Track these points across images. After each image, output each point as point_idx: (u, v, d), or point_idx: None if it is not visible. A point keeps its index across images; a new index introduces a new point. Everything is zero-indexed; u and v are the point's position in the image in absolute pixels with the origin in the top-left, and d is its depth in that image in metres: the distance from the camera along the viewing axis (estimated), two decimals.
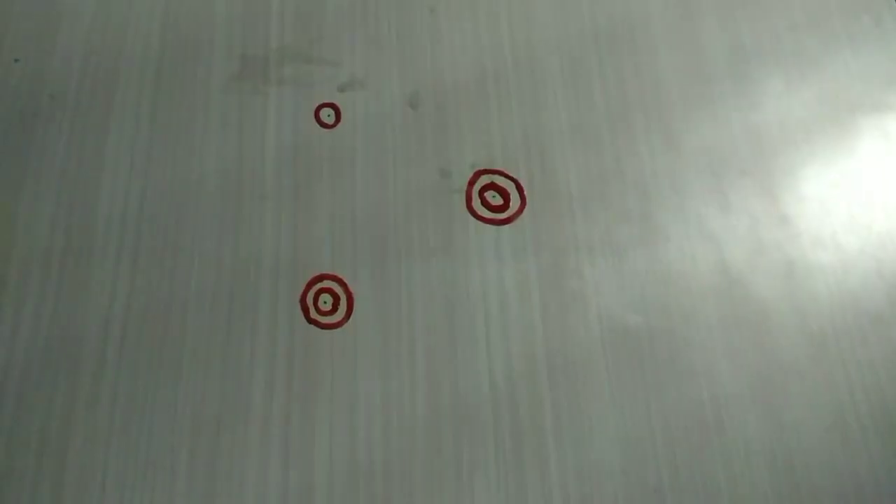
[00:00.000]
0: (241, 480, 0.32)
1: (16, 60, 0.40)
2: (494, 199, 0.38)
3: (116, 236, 0.36)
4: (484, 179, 0.39)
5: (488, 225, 0.38)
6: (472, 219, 0.38)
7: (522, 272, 0.37)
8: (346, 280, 0.36)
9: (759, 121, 0.41)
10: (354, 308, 0.36)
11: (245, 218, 0.37)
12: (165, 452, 0.32)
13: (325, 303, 0.36)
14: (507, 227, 0.38)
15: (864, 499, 0.33)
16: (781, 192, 0.39)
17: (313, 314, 0.35)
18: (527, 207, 0.38)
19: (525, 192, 0.38)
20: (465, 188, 0.38)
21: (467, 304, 0.36)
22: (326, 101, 0.40)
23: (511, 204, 0.38)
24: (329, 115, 0.40)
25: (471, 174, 0.39)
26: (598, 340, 0.36)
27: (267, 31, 0.41)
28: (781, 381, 0.35)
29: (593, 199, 0.38)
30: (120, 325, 0.34)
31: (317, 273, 0.36)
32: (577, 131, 0.40)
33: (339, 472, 0.33)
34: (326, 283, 0.36)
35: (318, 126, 0.39)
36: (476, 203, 0.38)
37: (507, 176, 0.39)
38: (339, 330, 0.35)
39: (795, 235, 0.38)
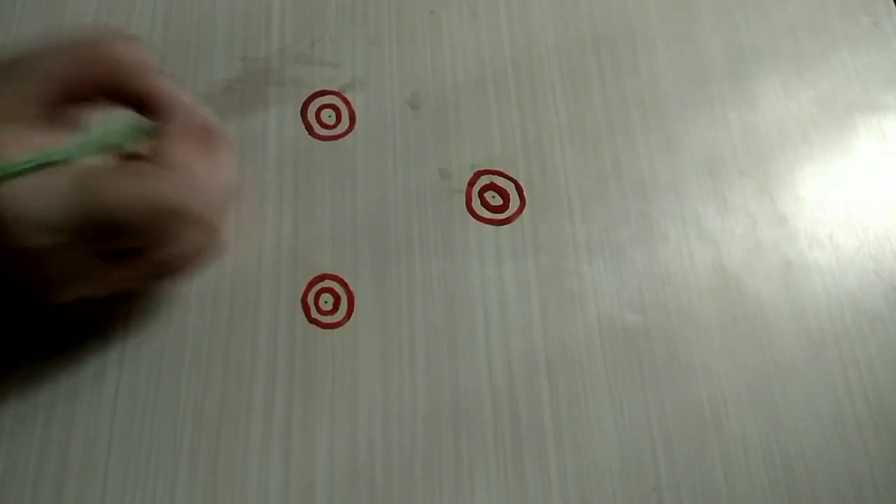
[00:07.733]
0: (242, 479, 0.32)
1: None
2: (494, 199, 0.38)
3: None
4: (484, 180, 0.39)
5: (488, 225, 0.38)
6: (471, 219, 0.38)
7: (522, 272, 0.37)
8: (346, 280, 0.36)
9: (756, 121, 0.41)
10: (355, 308, 0.36)
11: (246, 218, 0.37)
12: (167, 451, 0.33)
13: (325, 302, 0.36)
14: (506, 227, 0.38)
15: (862, 497, 0.34)
16: (779, 192, 0.39)
17: (314, 314, 0.36)
18: (526, 208, 0.38)
19: (524, 193, 0.38)
20: (464, 189, 0.39)
21: (467, 304, 0.36)
22: (327, 102, 0.40)
23: (510, 204, 0.38)
24: (330, 116, 0.40)
25: (470, 175, 0.39)
26: (596, 339, 0.36)
27: (268, 33, 0.41)
28: (779, 381, 0.36)
29: (592, 199, 0.39)
30: (122, 324, 0.35)
31: (318, 273, 0.36)
32: (576, 132, 0.40)
33: (339, 470, 0.33)
34: (327, 283, 0.36)
35: (319, 126, 0.39)
36: (476, 203, 0.38)
37: (506, 176, 0.39)
38: (339, 329, 0.35)
39: (793, 235, 0.39)
